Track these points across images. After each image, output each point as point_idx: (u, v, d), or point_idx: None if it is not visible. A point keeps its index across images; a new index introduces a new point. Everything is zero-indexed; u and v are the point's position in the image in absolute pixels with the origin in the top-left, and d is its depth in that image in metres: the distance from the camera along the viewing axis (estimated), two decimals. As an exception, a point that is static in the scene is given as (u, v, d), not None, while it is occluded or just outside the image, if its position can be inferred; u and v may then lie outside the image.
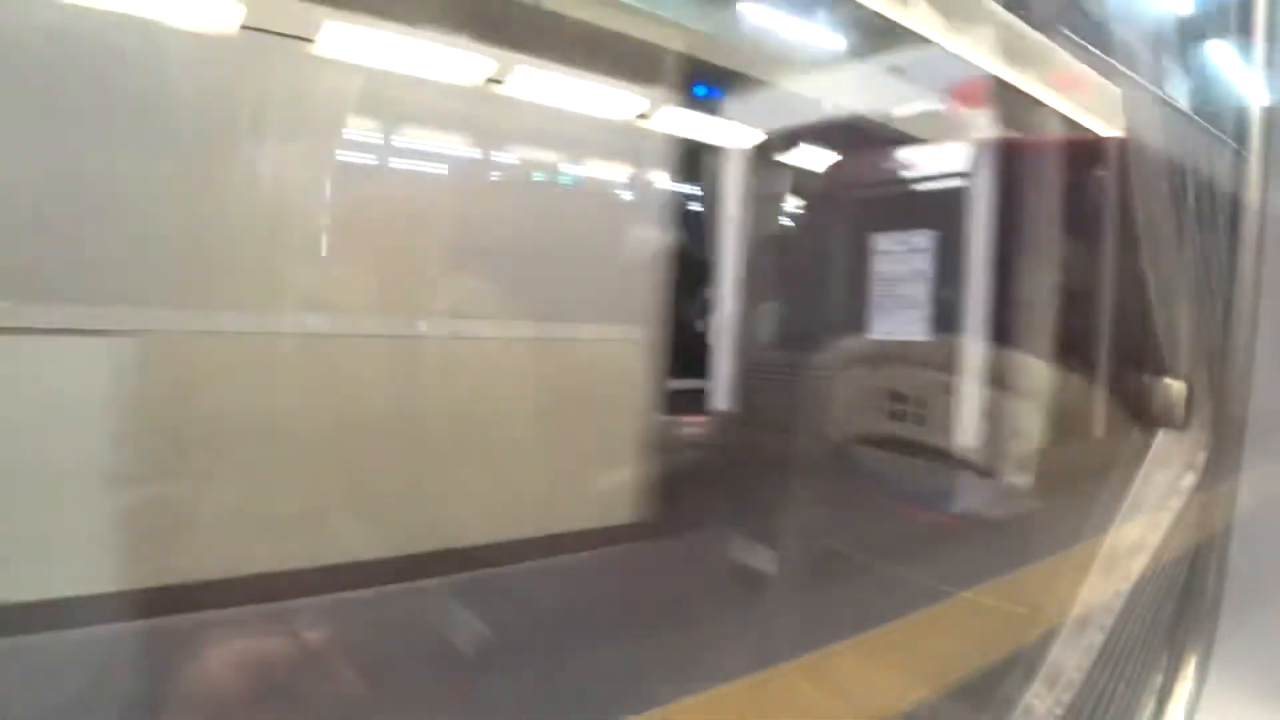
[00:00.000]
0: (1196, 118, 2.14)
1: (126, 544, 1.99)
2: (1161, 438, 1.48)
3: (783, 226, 5.07)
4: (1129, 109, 1.60)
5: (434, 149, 2.99)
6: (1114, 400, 2.21)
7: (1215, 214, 1.26)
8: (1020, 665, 1.45)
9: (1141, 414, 1.52)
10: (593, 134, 3.25)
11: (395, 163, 2.87)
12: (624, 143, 3.31)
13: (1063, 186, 2.91)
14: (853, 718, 1.70)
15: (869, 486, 3.43)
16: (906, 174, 4.05)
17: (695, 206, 4.98)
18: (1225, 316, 1.29)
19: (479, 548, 2.59)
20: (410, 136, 2.87)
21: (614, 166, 3.42)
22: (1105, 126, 2.59)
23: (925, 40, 2.38)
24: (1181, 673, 1.35)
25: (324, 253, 2.57)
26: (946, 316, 3.44)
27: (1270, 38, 1.30)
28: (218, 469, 2.27)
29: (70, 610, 1.85)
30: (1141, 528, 1.43)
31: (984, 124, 3.20)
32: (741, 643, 2.00)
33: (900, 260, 3.73)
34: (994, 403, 3.16)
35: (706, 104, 4.36)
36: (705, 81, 4.21)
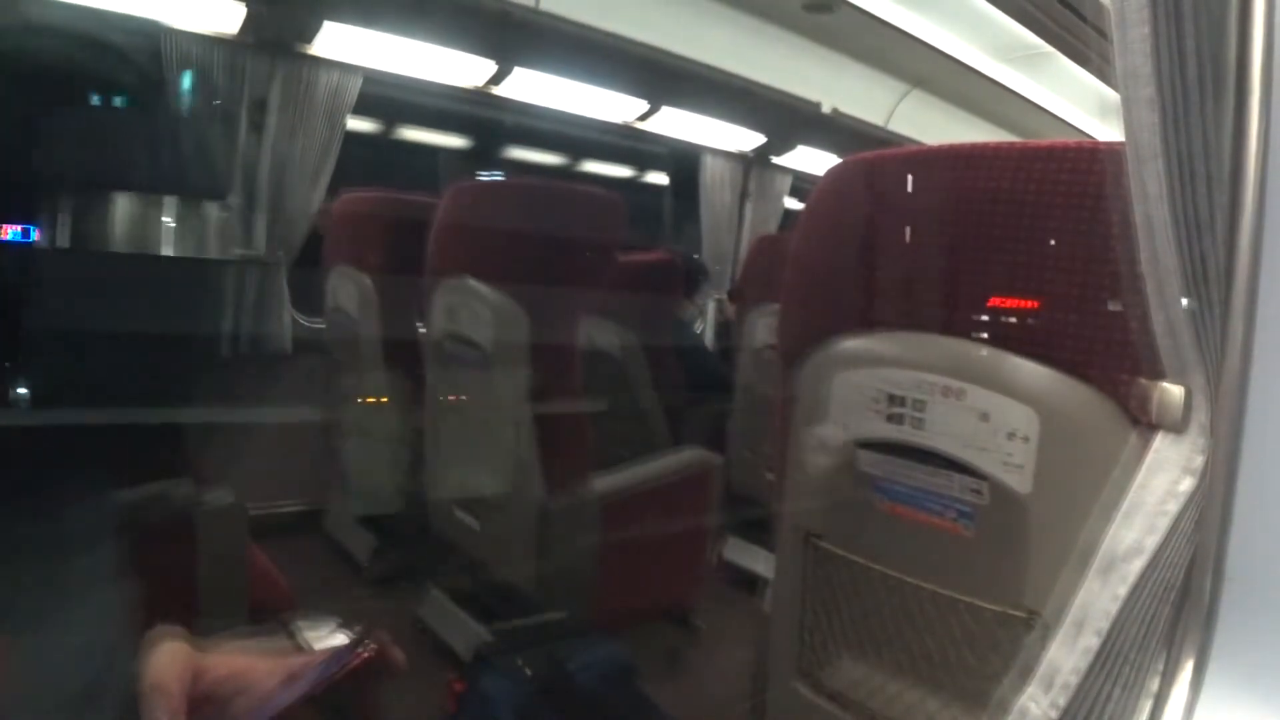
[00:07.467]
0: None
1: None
2: (1159, 441, 1.47)
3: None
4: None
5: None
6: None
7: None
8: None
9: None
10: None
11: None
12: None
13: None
14: None
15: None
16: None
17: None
18: (1224, 316, 1.29)
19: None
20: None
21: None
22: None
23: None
24: (1178, 676, 1.35)
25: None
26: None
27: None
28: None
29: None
30: (1139, 531, 1.42)
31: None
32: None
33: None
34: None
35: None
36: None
